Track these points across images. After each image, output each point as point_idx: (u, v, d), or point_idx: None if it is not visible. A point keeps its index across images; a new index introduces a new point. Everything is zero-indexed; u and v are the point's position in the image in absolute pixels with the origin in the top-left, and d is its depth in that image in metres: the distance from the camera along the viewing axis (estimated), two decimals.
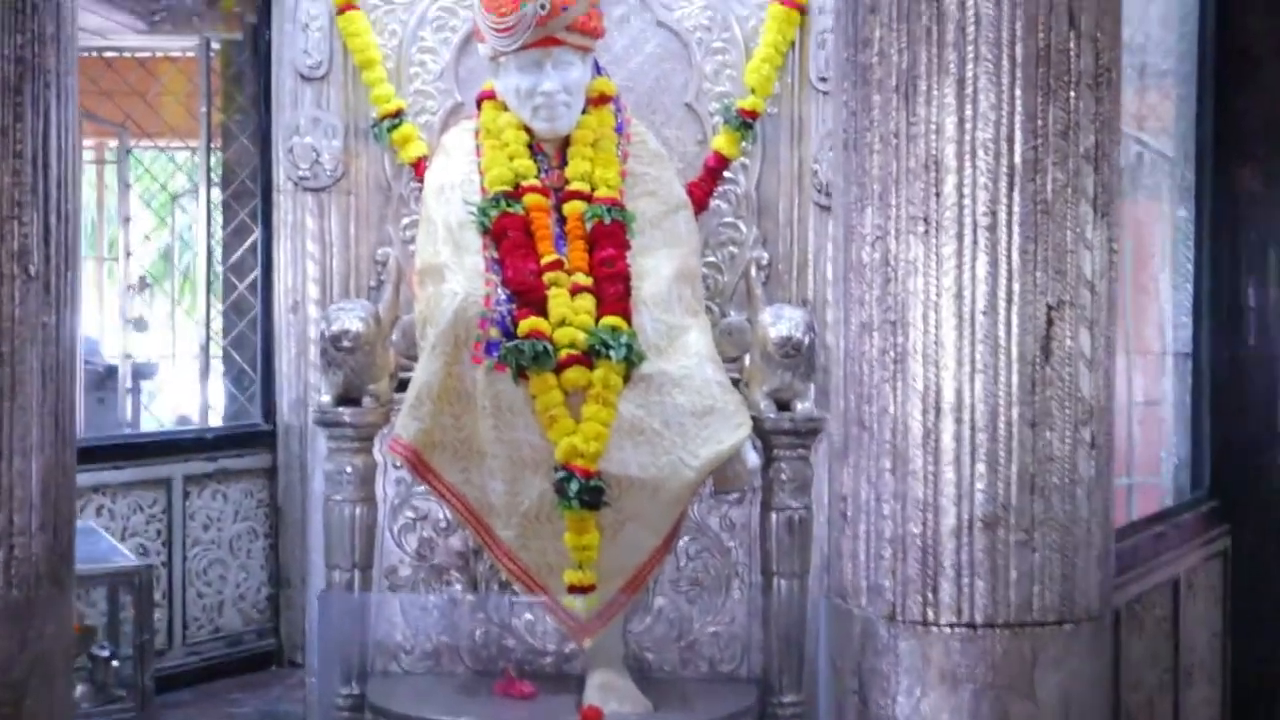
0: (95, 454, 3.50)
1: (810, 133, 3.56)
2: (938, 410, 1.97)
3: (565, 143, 3.28)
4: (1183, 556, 3.06)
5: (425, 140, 3.52)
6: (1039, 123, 1.95)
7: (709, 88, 3.55)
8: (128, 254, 4.42)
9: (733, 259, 3.57)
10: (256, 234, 3.75)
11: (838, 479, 2.11)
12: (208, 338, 3.91)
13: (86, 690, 3.25)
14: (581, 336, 3.01)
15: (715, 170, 3.51)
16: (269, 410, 3.74)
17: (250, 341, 3.84)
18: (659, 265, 3.20)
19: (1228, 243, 3.45)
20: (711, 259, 3.53)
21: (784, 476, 3.16)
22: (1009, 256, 1.96)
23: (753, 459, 3.11)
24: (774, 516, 3.15)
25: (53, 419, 2.10)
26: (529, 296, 3.07)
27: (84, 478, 3.40)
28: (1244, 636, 3.34)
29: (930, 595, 1.98)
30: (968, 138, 1.95)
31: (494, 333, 3.01)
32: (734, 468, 3.08)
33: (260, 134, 3.73)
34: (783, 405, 3.19)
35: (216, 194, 3.93)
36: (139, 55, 4.38)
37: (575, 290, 3.10)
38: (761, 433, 3.15)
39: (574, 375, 2.99)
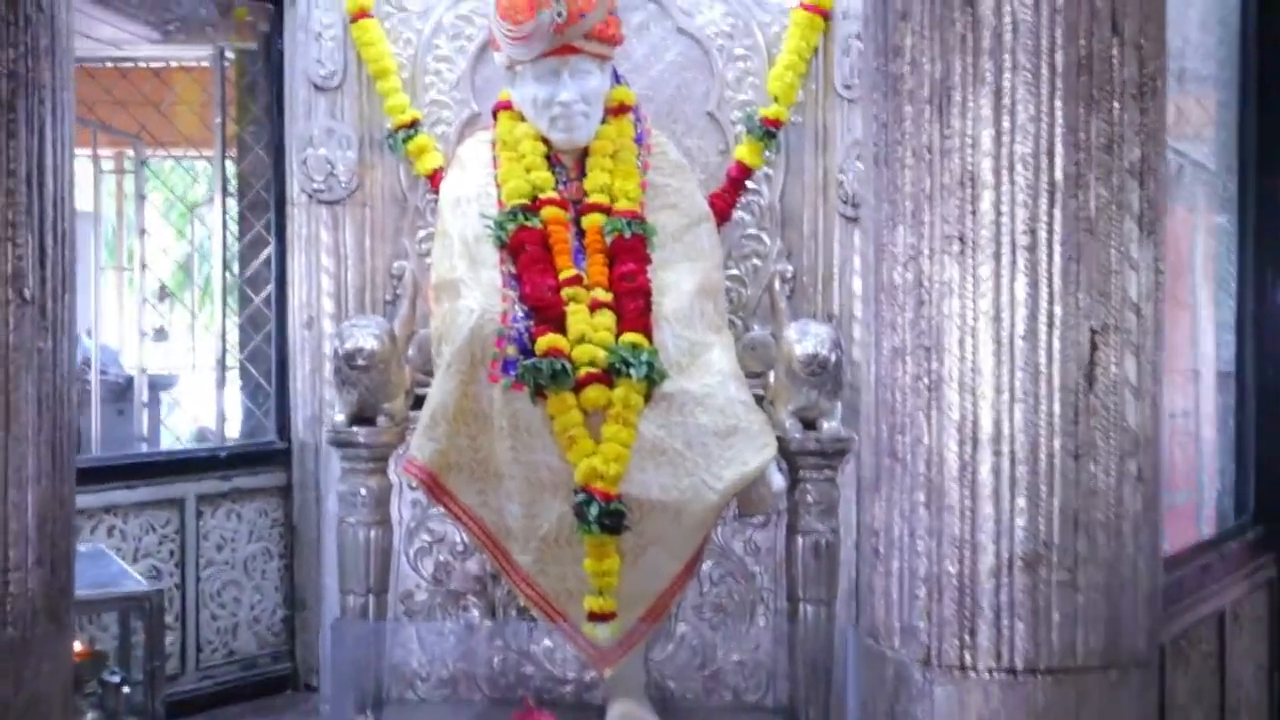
0: (106, 473, 3.44)
1: (835, 142, 3.49)
2: (975, 441, 1.86)
3: (584, 154, 3.21)
4: (1228, 588, 2.94)
5: (441, 151, 3.46)
6: (1081, 135, 1.84)
7: (731, 96, 3.48)
8: (143, 266, 4.35)
9: (756, 272, 3.49)
10: (271, 247, 3.68)
11: (869, 512, 2.00)
12: (224, 351, 3.85)
13: (97, 716, 3.17)
14: (601, 354, 2.93)
15: (738, 181, 3.44)
16: (283, 427, 3.66)
17: (266, 356, 3.77)
18: (680, 280, 3.12)
19: (1272, 256, 3.31)
20: (734, 272, 3.46)
21: (810, 499, 3.09)
22: (1050, 278, 1.85)
23: (778, 481, 3.03)
24: (800, 540, 3.09)
25: (50, 449, 2.02)
26: (547, 313, 2.99)
27: (95, 498, 3.36)
28: None
29: (968, 638, 1.87)
30: (1005, 151, 1.84)
31: (511, 350, 2.93)
32: (759, 490, 3.00)
33: (274, 145, 3.66)
34: (809, 424, 3.11)
35: (233, 205, 3.87)
36: (153, 65, 4.32)
37: (594, 306, 3.01)
38: (787, 453, 3.07)
39: (593, 394, 2.91)
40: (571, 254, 3.09)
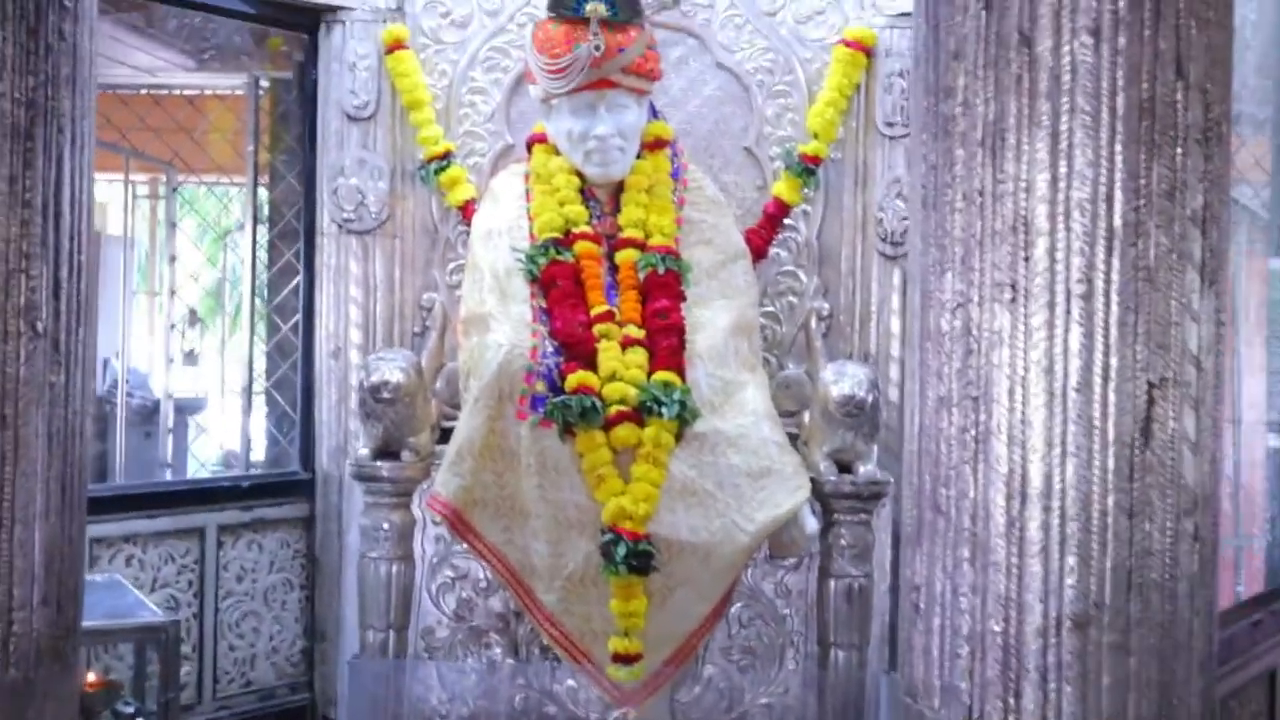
0: (127, 503, 3.40)
1: (875, 179, 3.44)
2: (1024, 496, 1.79)
3: (619, 188, 3.16)
4: (1278, 645, 2.83)
5: (474, 183, 3.42)
6: (1141, 181, 1.78)
7: (770, 132, 3.43)
8: (172, 292, 4.33)
9: (792, 309, 3.44)
10: (300, 276, 3.65)
11: (909, 566, 1.93)
12: (250, 378, 3.81)
13: None
14: (632, 392, 2.87)
15: (775, 217, 3.39)
16: (307, 457, 3.62)
17: (292, 384, 3.74)
18: (715, 317, 3.06)
19: None
20: (770, 309, 3.40)
21: (844, 542, 3.03)
22: (1106, 328, 1.78)
23: (811, 524, 2.97)
24: (832, 584, 3.04)
25: (59, 484, 1.97)
26: (577, 349, 2.93)
27: (114, 527, 3.32)
28: None
29: (1012, 701, 1.79)
30: (1061, 197, 1.78)
31: (540, 386, 2.87)
32: (791, 533, 2.95)
33: (306, 174, 3.64)
34: (844, 467, 3.05)
35: (263, 233, 3.85)
36: (187, 93, 4.33)
37: (626, 343, 2.96)
38: (821, 495, 3.01)
39: (623, 433, 2.85)
40: (604, 289, 3.04)
